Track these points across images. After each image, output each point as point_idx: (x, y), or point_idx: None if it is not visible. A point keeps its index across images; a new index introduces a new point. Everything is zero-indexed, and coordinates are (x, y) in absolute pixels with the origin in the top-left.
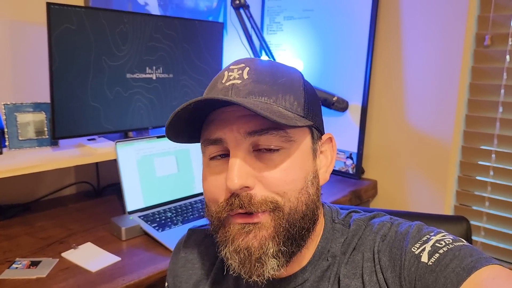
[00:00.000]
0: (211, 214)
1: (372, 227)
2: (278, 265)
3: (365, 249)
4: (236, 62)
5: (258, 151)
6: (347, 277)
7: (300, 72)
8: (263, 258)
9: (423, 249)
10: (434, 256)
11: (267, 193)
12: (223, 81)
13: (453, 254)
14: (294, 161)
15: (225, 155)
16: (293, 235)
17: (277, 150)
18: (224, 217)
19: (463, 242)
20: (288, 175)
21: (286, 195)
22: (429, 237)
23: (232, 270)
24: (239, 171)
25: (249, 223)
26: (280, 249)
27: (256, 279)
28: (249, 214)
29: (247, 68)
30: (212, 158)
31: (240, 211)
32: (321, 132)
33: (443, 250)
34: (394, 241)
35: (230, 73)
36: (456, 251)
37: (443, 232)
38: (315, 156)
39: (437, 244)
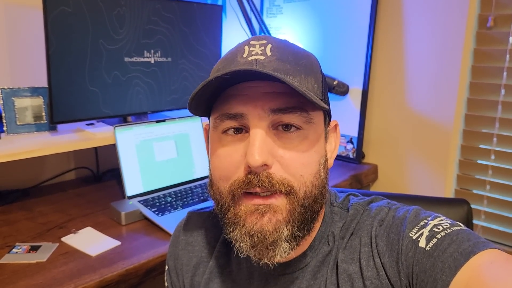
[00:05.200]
0: (219, 193)
1: (370, 211)
2: (289, 249)
3: (362, 234)
4: (257, 38)
5: (277, 130)
6: (345, 262)
7: (315, 56)
8: (277, 241)
9: (421, 234)
10: (431, 241)
11: (285, 175)
12: (244, 56)
13: (451, 238)
14: (311, 144)
15: (240, 131)
16: (306, 219)
17: (296, 130)
18: (239, 195)
19: (460, 226)
20: (305, 158)
21: (302, 178)
22: (426, 221)
23: (240, 252)
24: (260, 147)
25: (264, 204)
26: (293, 233)
27: (267, 261)
28: (265, 196)
29: (270, 45)
30: (225, 133)
31: (258, 190)
32: (330, 118)
33: (441, 235)
34: (392, 226)
35: (251, 48)
36: (454, 235)
37: (440, 217)
38: (326, 141)
39: (434, 229)
